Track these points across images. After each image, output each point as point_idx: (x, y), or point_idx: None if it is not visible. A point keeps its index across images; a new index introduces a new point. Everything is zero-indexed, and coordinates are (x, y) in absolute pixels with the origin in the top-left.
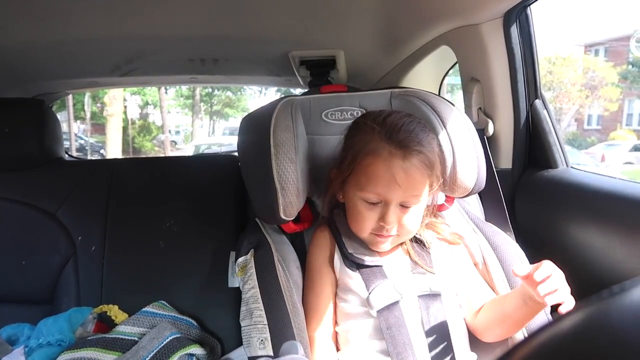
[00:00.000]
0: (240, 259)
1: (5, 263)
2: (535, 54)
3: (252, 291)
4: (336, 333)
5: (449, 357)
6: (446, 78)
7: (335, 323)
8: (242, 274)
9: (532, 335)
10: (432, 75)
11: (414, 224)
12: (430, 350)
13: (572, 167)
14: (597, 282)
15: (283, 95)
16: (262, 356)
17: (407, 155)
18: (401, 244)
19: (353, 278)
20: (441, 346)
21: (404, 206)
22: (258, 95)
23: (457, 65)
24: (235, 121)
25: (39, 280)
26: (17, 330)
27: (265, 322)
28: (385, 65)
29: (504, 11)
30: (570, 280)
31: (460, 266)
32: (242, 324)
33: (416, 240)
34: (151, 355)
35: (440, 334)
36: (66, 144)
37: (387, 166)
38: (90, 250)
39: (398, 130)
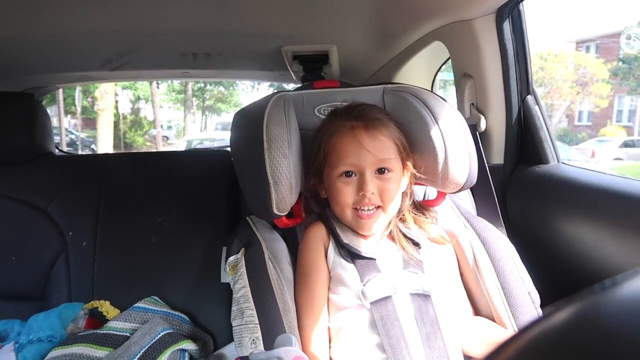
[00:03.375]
0: (231, 258)
1: None
2: (528, 50)
3: (242, 290)
4: (329, 329)
5: (443, 354)
6: (439, 74)
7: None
8: (233, 273)
9: (523, 330)
10: (425, 71)
11: (393, 192)
12: (425, 346)
13: (563, 162)
14: (588, 277)
15: (276, 91)
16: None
17: (369, 124)
18: (393, 238)
19: (347, 270)
20: (434, 342)
21: (379, 173)
22: (250, 90)
23: (450, 61)
24: (228, 116)
25: (29, 276)
26: (7, 326)
27: (257, 322)
28: (378, 60)
29: (496, 7)
30: (561, 275)
31: (446, 271)
32: (233, 323)
33: (407, 238)
34: (143, 350)
35: (432, 332)
36: (56, 138)
37: (352, 136)
38: (81, 246)
39: (354, 109)
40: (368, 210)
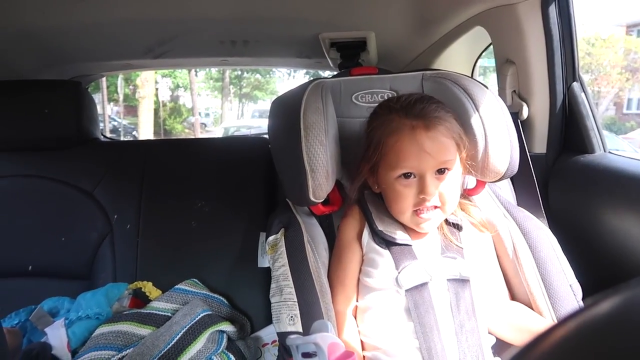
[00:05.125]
0: (271, 238)
1: (47, 239)
2: (574, 34)
3: (282, 269)
4: (356, 308)
5: (476, 343)
6: (478, 60)
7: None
8: (273, 252)
9: (568, 318)
10: (465, 57)
11: (453, 191)
12: (457, 334)
13: (610, 152)
14: (634, 270)
15: (312, 78)
16: (293, 332)
17: (429, 124)
18: None
19: (383, 255)
20: (468, 332)
21: (439, 173)
22: (287, 78)
23: (491, 46)
24: (264, 104)
25: (77, 256)
26: (57, 303)
27: (295, 300)
28: (417, 47)
29: None
30: (604, 267)
31: (486, 259)
32: (272, 300)
33: (448, 222)
34: (184, 330)
35: (467, 319)
36: (100, 125)
37: (412, 138)
38: (126, 229)
39: (413, 105)
40: (427, 211)
